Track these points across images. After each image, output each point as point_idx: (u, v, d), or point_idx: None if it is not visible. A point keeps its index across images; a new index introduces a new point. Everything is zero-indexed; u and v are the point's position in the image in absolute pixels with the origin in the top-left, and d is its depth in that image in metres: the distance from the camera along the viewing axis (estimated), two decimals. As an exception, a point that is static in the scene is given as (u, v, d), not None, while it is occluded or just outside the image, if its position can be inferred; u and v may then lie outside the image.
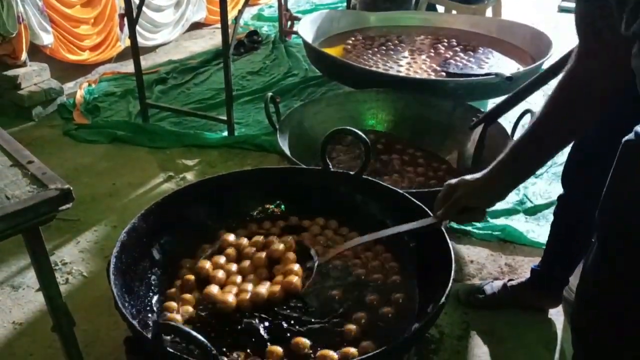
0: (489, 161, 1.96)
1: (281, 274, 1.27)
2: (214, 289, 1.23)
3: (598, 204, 1.88)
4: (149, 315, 1.21)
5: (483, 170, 1.18)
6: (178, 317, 1.19)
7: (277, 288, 1.21)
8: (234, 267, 1.33)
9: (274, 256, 1.33)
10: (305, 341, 1.12)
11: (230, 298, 1.19)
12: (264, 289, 1.22)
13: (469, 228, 2.45)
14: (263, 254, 1.34)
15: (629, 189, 0.92)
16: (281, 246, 1.34)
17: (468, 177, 1.20)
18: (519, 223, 2.52)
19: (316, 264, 1.27)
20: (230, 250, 1.38)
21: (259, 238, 1.40)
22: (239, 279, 1.29)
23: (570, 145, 1.81)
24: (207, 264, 1.32)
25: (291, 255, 1.32)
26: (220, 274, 1.29)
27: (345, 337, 1.15)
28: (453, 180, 1.22)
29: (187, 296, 1.26)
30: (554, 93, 1.05)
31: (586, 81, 1.00)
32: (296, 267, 1.27)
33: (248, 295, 1.20)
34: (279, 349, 1.10)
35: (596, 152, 1.72)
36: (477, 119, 2.05)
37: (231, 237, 1.41)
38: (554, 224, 1.93)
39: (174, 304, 1.25)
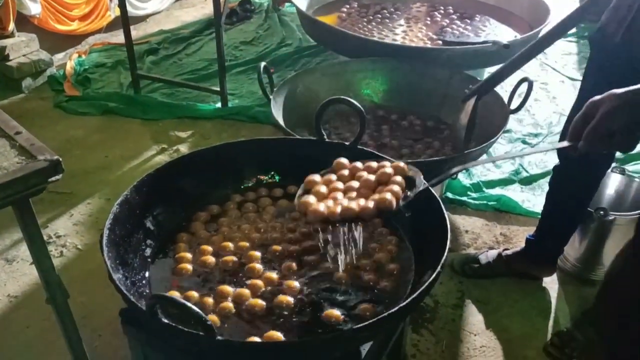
0: (483, 134, 1.96)
1: (378, 192, 1.20)
2: (310, 198, 1.18)
3: (592, 175, 1.89)
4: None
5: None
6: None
7: (369, 203, 1.15)
8: (339, 184, 1.25)
9: (383, 179, 1.24)
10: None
11: (322, 207, 1.14)
12: (355, 203, 1.16)
13: (464, 198, 2.45)
14: (372, 177, 1.25)
15: None
16: (389, 169, 1.25)
17: (617, 89, 0.98)
18: (515, 193, 2.52)
19: (420, 189, 1.20)
20: (343, 172, 1.30)
21: (373, 163, 1.31)
22: (339, 195, 1.22)
23: (567, 115, 1.81)
24: (317, 177, 1.27)
25: (398, 178, 1.23)
26: (323, 188, 1.23)
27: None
28: (598, 97, 0.99)
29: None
30: None
31: None
32: (396, 187, 1.19)
33: (339, 209, 1.14)
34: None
35: None
36: (470, 90, 2.01)
37: (344, 160, 1.33)
38: (549, 194, 1.93)
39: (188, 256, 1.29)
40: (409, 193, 1.19)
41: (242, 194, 1.52)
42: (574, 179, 1.81)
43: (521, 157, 2.78)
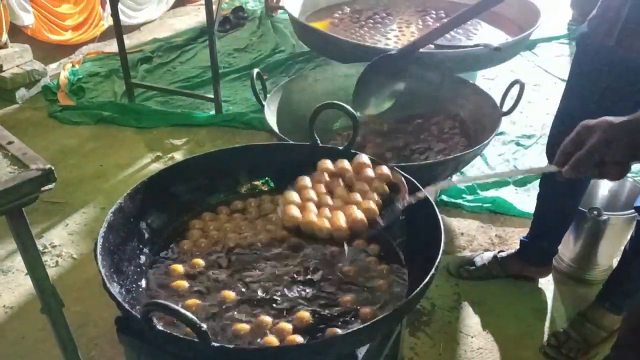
0: (476, 137, 1.95)
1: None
2: (293, 210, 1.16)
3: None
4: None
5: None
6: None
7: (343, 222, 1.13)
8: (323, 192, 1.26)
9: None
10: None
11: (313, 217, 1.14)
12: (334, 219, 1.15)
13: (459, 201, 2.46)
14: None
15: None
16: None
17: (611, 117, 0.90)
18: (509, 194, 2.53)
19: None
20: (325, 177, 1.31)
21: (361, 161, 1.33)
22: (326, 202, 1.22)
23: (554, 115, 1.82)
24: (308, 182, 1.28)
25: (374, 195, 1.21)
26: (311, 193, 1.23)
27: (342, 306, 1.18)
28: (591, 121, 0.92)
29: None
30: None
31: None
32: (371, 204, 1.18)
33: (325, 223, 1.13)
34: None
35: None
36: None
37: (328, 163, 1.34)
38: (540, 195, 1.94)
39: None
40: (381, 218, 1.17)
41: (237, 198, 1.52)
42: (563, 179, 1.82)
43: (514, 159, 2.79)
